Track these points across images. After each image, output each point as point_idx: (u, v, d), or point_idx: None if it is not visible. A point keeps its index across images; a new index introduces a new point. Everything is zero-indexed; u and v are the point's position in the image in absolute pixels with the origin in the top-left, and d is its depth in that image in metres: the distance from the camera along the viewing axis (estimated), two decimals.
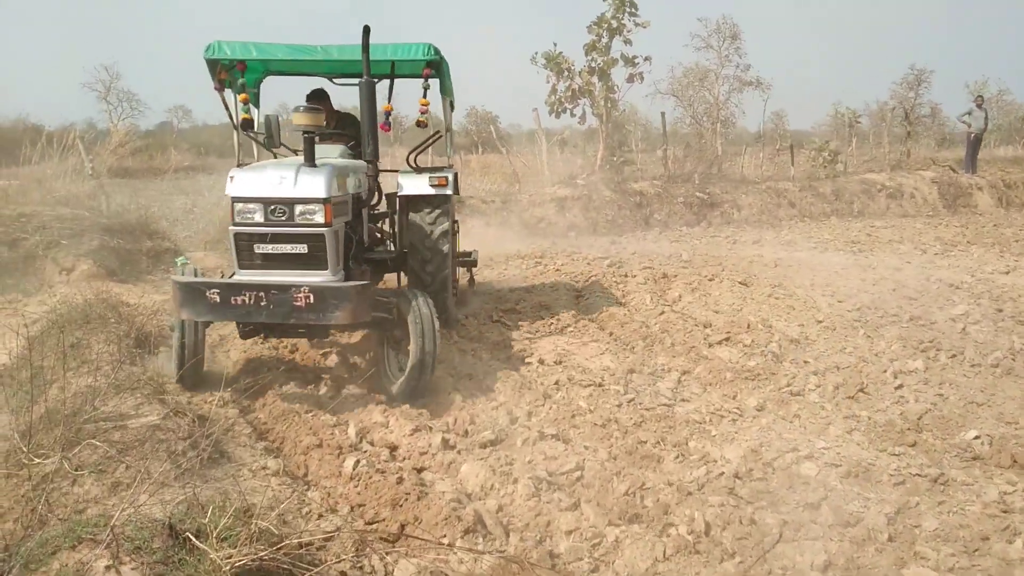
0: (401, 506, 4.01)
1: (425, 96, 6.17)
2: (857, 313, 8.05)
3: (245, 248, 5.01)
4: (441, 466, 4.47)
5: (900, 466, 4.49)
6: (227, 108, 6.30)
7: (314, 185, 4.93)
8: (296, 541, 3.26)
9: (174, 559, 2.80)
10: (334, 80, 7.05)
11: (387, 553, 3.64)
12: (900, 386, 5.88)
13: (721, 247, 12.94)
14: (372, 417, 5.12)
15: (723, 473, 4.41)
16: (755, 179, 18.55)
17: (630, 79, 16.61)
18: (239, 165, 5.80)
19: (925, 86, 32.19)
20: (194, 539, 2.81)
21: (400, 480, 4.21)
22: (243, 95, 6.01)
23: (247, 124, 6.04)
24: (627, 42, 16.29)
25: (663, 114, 19.29)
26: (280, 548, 3.04)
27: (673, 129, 24.56)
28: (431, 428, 4.90)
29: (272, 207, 4.89)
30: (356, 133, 6.70)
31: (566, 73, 16.56)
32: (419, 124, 6.43)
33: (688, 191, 16.51)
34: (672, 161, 18.40)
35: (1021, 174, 21.20)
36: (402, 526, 3.85)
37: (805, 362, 6.52)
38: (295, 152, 6.77)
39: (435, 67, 6.31)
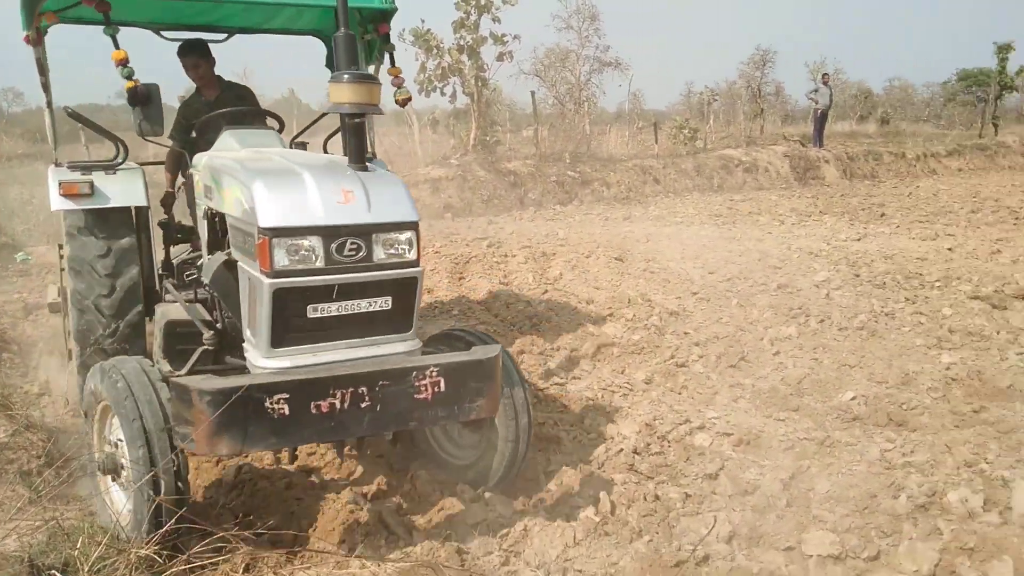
0: (293, 513, 3.75)
1: (393, 63, 4.70)
2: (728, 283, 8.33)
3: (290, 314, 3.08)
4: (334, 467, 4.23)
5: (787, 431, 4.63)
6: (41, 67, 4.67)
7: (397, 202, 3.20)
8: (178, 564, 2.96)
9: None
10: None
11: (280, 567, 3.38)
12: (777, 352, 6.09)
13: (595, 224, 13.13)
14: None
15: (622, 450, 4.40)
16: (622, 157, 18.97)
17: (500, 57, 16.58)
18: (57, 164, 4.61)
19: (770, 66, 33.97)
20: None
21: (289, 485, 3.94)
22: (119, 52, 3.95)
23: (140, 96, 3.92)
24: (496, 20, 16.19)
25: (533, 93, 19.42)
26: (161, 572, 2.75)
27: (538, 109, 24.77)
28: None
29: (339, 241, 3.04)
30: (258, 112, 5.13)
31: (435, 51, 16.29)
32: (401, 102, 4.76)
33: (560, 170, 16.66)
34: (542, 140, 18.52)
35: (860, 147, 22.78)
36: (295, 535, 3.59)
37: (686, 333, 6.66)
38: (183, 143, 5.09)
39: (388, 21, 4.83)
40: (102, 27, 3.98)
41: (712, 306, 7.47)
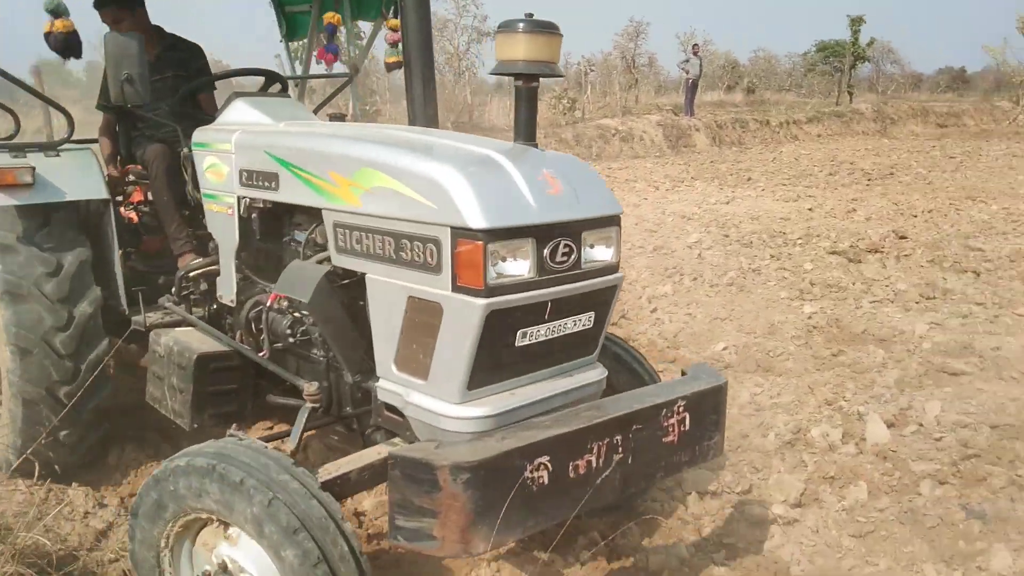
0: (116, 467, 3.70)
1: (395, 13, 3.93)
2: None
3: (498, 344, 2.31)
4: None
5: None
6: None
7: (600, 189, 2.53)
8: (63, 548, 2.87)
9: None
10: None
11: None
12: (655, 309, 6.38)
13: None
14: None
15: None
16: (504, 127, 19.10)
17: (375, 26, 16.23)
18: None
19: (643, 37, 34.87)
20: None
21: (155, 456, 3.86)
22: None
23: (68, 43, 3.28)
24: None
25: None
26: (48, 559, 2.66)
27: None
28: None
29: (552, 244, 2.31)
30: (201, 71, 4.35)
31: None
32: (392, 66, 4.27)
33: None
34: None
35: (728, 116, 23.81)
36: (115, 488, 3.54)
37: None
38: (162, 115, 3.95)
39: None
40: None
41: None
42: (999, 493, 3.49)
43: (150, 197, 4.05)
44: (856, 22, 29.20)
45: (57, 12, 3.14)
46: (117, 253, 3.77)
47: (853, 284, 6.89)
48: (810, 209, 10.78)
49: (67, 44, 3.26)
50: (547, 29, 2.34)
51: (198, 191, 3.48)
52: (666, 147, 20.31)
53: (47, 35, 3.20)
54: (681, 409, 2.46)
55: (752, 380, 4.89)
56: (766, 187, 13.34)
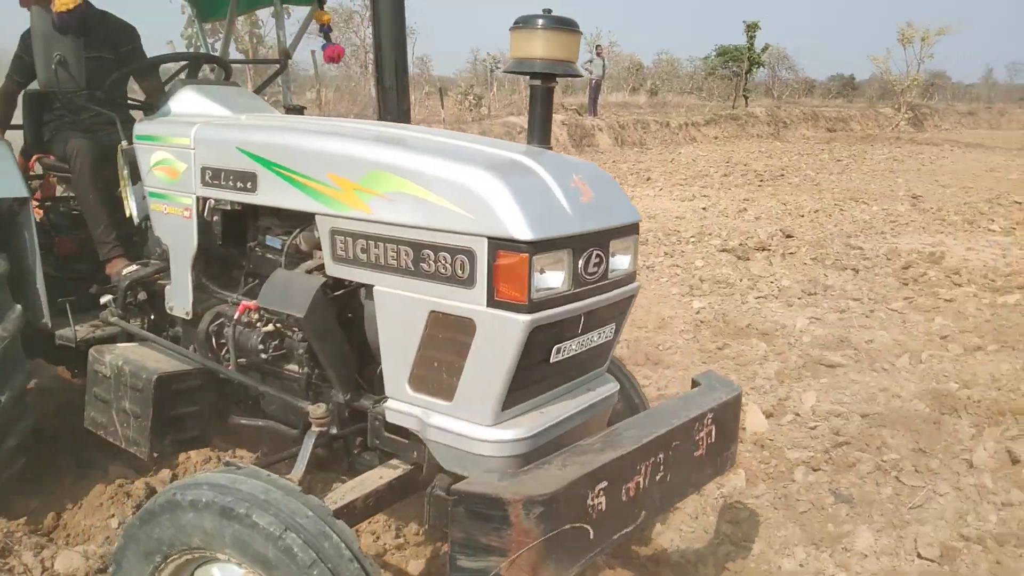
0: (54, 493, 3.49)
1: (322, 4, 4.10)
2: None
3: (535, 361, 2.15)
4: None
5: None
6: None
7: (620, 196, 2.40)
8: None
9: None
10: None
11: (42, 547, 3.16)
12: None
13: None
14: None
15: None
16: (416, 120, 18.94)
17: (274, 14, 15.81)
18: None
19: None
20: None
21: (52, 463, 3.66)
22: None
23: (82, 18, 2.97)
24: None
25: (313, 53, 18.72)
26: None
27: (322, 71, 23.99)
28: None
29: (586, 254, 2.16)
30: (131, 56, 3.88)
31: None
32: (333, 58, 4.35)
33: None
34: (326, 103, 18.03)
35: (631, 116, 24.33)
36: (58, 514, 3.36)
37: None
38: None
39: None
40: None
41: None
42: (866, 478, 3.69)
43: (62, 192, 3.67)
44: (752, 28, 30.32)
45: None
46: (39, 259, 3.34)
47: (740, 280, 7.15)
48: (704, 208, 11.14)
49: (83, 21, 2.95)
50: (567, 26, 2.26)
51: (134, 189, 3.11)
52: (570, 146, 20.57)
53: (59, 14, 2.88)
54: (709, 422, 2.37)
55: (641, 373, 5.00)
56: (664, 187, 13.71)
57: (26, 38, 3.50)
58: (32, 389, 3.37)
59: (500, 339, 2.04)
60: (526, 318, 1.99)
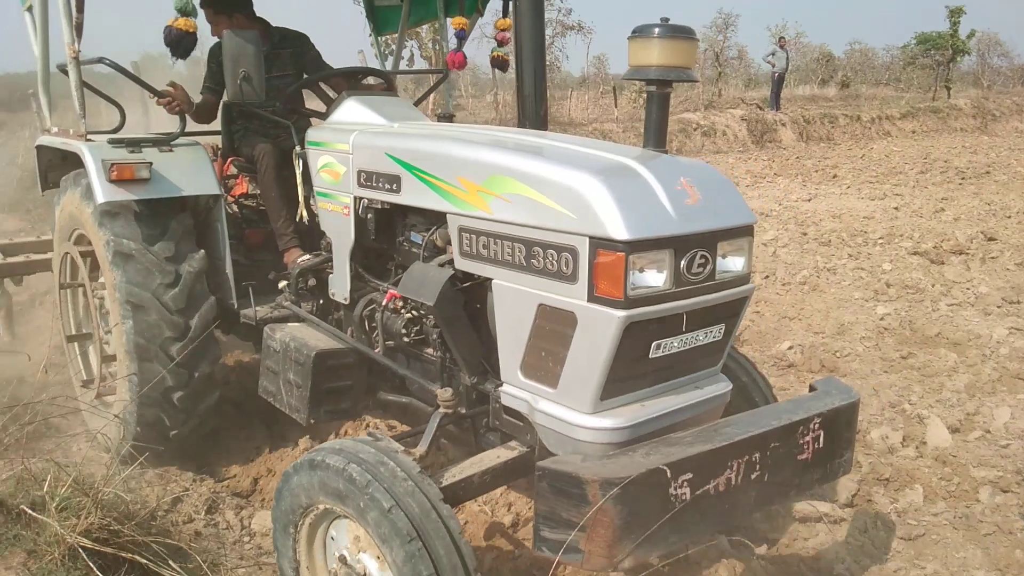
0: (252, 461, 3.92)
1: (506, 12, 4.07)
2: None
3: (634, 355, 2.28)
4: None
5: None
6: (34, 23, 3.87)
7: (734, 199, 2.47)
8: (143, 508, 3.12)
9: (8, 535, 2.61)
10: None
11: (241, 508, 3.57)
12: None
13: None
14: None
15: None
16: (582, 121, 19.11)
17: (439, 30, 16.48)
18: (48, 132, 4.04)
19: (732, 29, 34.12)
20: (30, 512, 2.62)
21: (250, 436, 4.10)
22: None
23: (183, 42, 3.33)
24: None
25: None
26: (126, 514, 2.91)
27: (501, 74, 24.69)
28: None
29: (690, 255, 2.26)
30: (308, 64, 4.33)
31: None
32: (499, 63, 4.37)
33: None
34: (503, 106, 18.55)
35: (818, 110, 23.13)
36: (255, 480, 3.78)
37: None
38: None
39: None
40: None
41: None
42: None
43: (251, 191, 4.17)
44: (955, 13, 27.88)
45: (185, 11, 3.24)
46: (228, 249, 3.79)
47: (932, 286, 6.69)
48: (896, 208, 10.45)
49: (183, 42, 3.32)
50: (683, 34, 2.33)
51: (309, 188, 3.54)
52: (750, 142, 19.90)
53: (168, 28, 3.28)
54: (816, 427, 2.39)
55: (814, 380, 4.83)
56: (852, 184, 12.97)
57: (215, 53, 3.99)
58: (227, 364, 3.91)
59: (598, 333, 2.19)
60: (621, 314, 2.13)
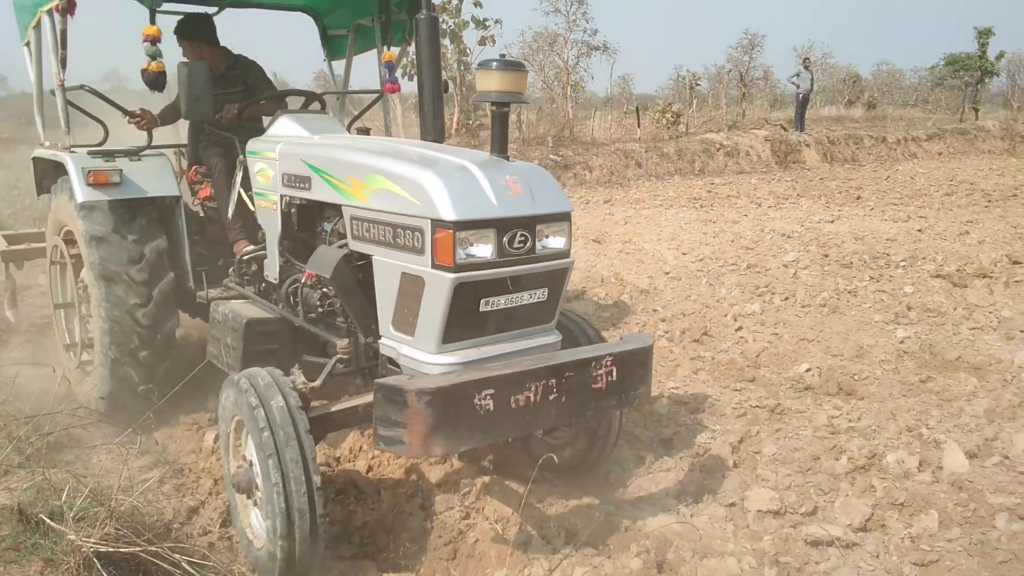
0: None
1: (409, 43, 5.02)
2: (700, 264, 8.57)
3: (465, 309, 2.95)
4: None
5: (741, 400, 4.87)
6: (63, 40, 4.22)
7: (554, 192, 3.14)
8: (159, 519, 3.18)
9: (26, 544, 2.67)
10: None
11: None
12: (740, 328, 6.33)
13: (575, 208, 13.30)
14: None
15: None
16: (605, 141, 19.16)
17: (482, 42, 16.67)
18: (42, 146, 4.81)
19: (758, 50, 34.23)
20: (48, 521, 2.68)
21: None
22: (153, 28, 3.97)
23: (158, 80, 3.97)
24: (477, 4, 16.30)
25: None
26: (142, 526, 2.96)
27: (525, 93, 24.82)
28: None
29: (510, 234, 2.93)
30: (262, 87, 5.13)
31: None
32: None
33: (543, 154, 16.83)
34: (526, 125, 18.67)
35: (843, 131, 23.02)
36: None
37: (654, 310, 6.89)
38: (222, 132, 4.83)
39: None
40: None
41: (682, 285, 7.70)
42: None
43: (212, 194, 4.88)
44: (984, 34, 27.67)
45: (154, 56, 3.88)
46: (186, 241, 4.57)
47: (954, 309, 6.62)
48: (920, 230, 10.35)
49: (158, 80, 3.96)
50: (515, 67, 2.97)
51: (250, 190, 4.27)
52: (774, 163, 19.83)
53: (143, 71, 3.90)
54: (609, 363, 3.04)
55: (831, 403, 4.81)
56: (876, 206, 12.88)
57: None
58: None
59: (437, 291, 2.88)
60: (452, 276, 2.82)
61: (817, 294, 7.15)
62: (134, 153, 4.48)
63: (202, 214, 5.00)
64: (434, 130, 3.64)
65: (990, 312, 6.49)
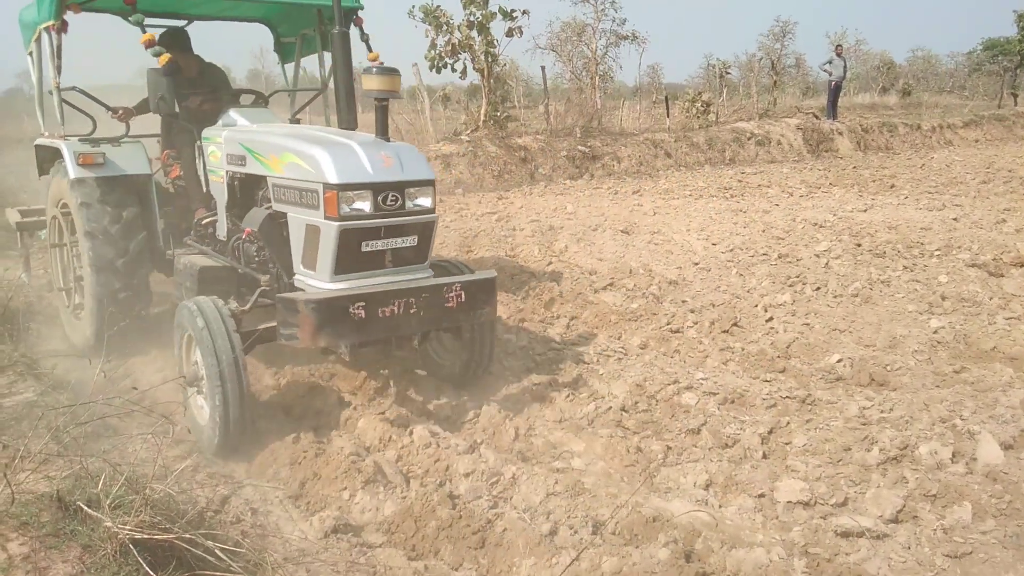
0: (299, 464, 4.02)
1: (370, 49, 5.60)
2: (730, 254, 8.48)
3: (349, 249, 4.06)
4: (338, 423, 4.50)
5: (771, 391, 4.83)
6: (58, 52, 5.27)
7: (420, 165, 4.23)
8: (192, 507, 3.23)
9: (65, 530, 2.73)
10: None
11: (287, 510, 3.66)
12: (770, 319, 6.27)
13: (604, 198, 13.26)
14: (265, 380, 5.06)
15: (611, 408, 4.62)
16: (633, 131, 19.02)
17: (509, 33, 16.58)
18: (43, 136, 5.82)
19: (790, 37, 33.79)
20: (86, 508, 2.74)
21: (296, 439, 4.21)
22: (148, 35, 4.78)
23: (170, 67, 4.79)
24: None
25: (543, 68, 19.50)
26: (176, 513, 3.02)
27: (554, 84, 24.77)
28: (324, 388, 4.90)
29: (383, 194, 4.02)
30: (227, 90, 6.11)
31: (445, 27, 16.36)
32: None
33: (571, 145, 16.75)
34: (554, 116, 18.60)
35: (877, 119, 22.65)
36: (302, 483, 3.87)
37: (683, 301, 6.85)
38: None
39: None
40: (120, 15, 5.22)
41: (712, 275, 7.64)
42: None
43: (180, 173, 5.83)
44: (1023, 18, 27.01)
45: (158, 54, 4.68)
46: (157, 209, 5.64)
47: (990, 299, 6.50)
48: (955, 219, 10.15)
49: (170, 68, 4.77)
50: (389, 72, 3.94)
51: (205, 168, 5.34)
52: (806, 152, 19.57)
53: (165, 66, 4.72)
54: (459, 288, 4.18)
55: (863, 394, 4.75)
56: (910, 195, 12.65)
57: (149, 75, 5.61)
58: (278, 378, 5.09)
59: (328, 236, 4.02)
60: (337, 224, 3.96)
61: (849, 284, 7.06)
62: (116, 140, 5.59)
63: (171, 190, 5.98)
64: (348, 119, 4.58)
65: None
